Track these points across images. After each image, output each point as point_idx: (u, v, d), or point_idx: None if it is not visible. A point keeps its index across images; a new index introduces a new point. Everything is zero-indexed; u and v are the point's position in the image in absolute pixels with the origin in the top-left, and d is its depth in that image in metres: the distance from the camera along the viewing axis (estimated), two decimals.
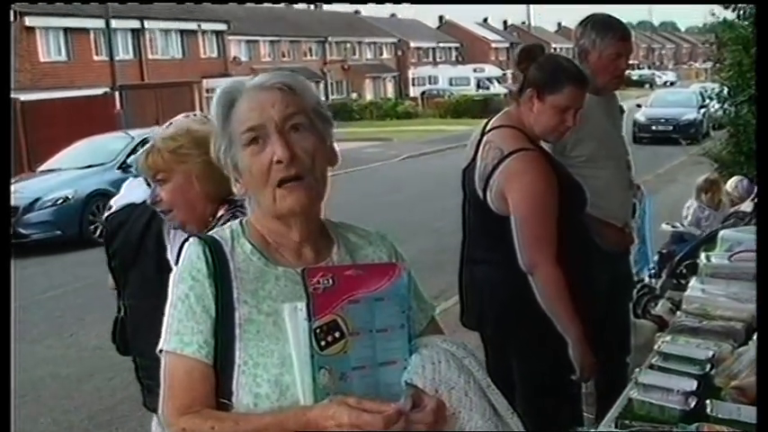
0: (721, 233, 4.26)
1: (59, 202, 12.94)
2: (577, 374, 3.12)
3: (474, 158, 3.28)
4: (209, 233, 1.79)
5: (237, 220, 1.81)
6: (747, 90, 8.38)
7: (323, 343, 1.57)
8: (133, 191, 3.06)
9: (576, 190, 3.21)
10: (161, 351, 1.69)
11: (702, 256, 3.79)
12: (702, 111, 26.27)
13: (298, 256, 1.74)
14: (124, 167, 13.91)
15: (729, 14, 9.30)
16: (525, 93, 3.15)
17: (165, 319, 1.69)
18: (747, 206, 6.05)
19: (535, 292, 3.05)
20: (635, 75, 67.51)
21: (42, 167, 14.82)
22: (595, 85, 3.71)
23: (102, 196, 13.16)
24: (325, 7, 64.71)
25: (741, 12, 9.02)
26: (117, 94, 24.22)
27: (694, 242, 6.06)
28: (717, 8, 9.18)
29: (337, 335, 1.58)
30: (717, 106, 10.65)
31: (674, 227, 6.37)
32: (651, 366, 2.57)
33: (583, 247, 3.23)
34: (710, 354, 2.56)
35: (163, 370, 1.68)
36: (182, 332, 1.65)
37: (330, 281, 1.60)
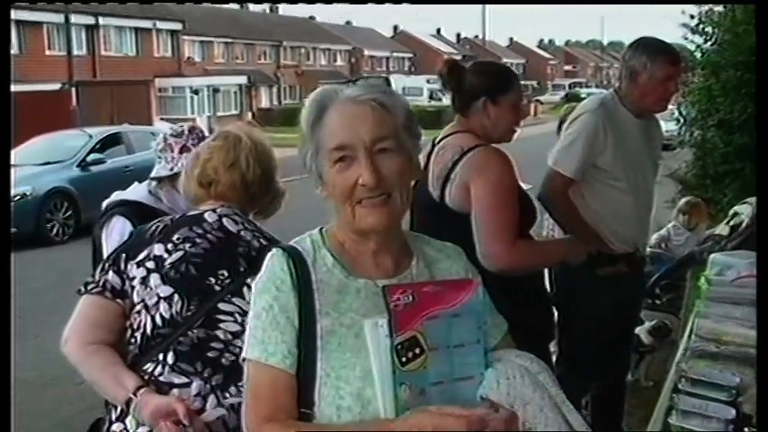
0: (711, 257, 4.31)
1: (16, 198, 12.61)
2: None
3: (424, 170, 3.17)
4: (291, 243, 1.80)
5: (318, 229, 1.82)
6: (716, 114, 8.52)
7: (404, 359, 1.59)
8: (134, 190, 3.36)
9: (527, 201, 3.20)
10: (244, 360, 1.72)
11: (702, 279, 3.83)
12: None
13: (376, 266, 1.76)
14: (83, 166, 13.71)
15: (698, 39, 9.44)
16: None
17: (249, 328, 1.72)
18: (723, 229, 6.13)
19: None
20: (583, 93, 68.46)
21: None
22: (640, 106, 3.77)
23: (60, 194, 12.95)
24: (282, 12, 64.54)
25: (711, 37, 9.19)
26: (73, 89, 23.87)
27: (670, 264, 6.12)
28: (689, 33, 9.31)
29: (417, 351, 1.60)
30: (674, 128, 10.84)
31: (650, 247, 6.43)
32: (678, 390, 2.58)
33: None
34: (738, 380, 2.58)
35: (246, 378, 1.71)
36: (266, 342, 1.67)
37: (410, 297, 1.62)
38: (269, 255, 1.77)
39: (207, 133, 3.19)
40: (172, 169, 3.21)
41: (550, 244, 3.20)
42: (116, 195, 3.32)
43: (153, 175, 3.29)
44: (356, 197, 1.68)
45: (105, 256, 3.02)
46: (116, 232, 3.13)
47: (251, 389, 1.70)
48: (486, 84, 3.18)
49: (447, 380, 1.63)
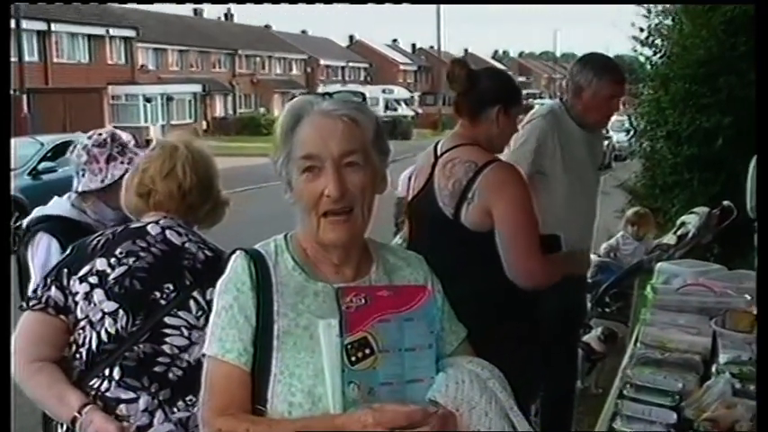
0: (658, 266, 4.41)
1: None
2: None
3: (427, 184, 3.16)
4: (256, 246, 1.86)
5: (283, 234, 1.89)
6: (665, 126, 8.66)
7: (353, 358, 1.66)
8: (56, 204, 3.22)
9: None
10: (203, 355, 1.81)
11: (648, 287, 3.90)
12: (606, 143, 27.15)
13: (336, 273, 1.83)
14: (35, 174, 13.51)
15: (647, 51, 9.61)
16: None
17: (210, 326, 1.81)
18: (670, 239, 6.24)
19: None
20: (537, 103, 69.07)
21: None
22: (582, 119, 3.86)
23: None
24: (237, 20, 64.18)
25: (660, 50, 9.35)
26: (25, 97, 23.48)
27: (619, 272, 6.21)
28: (638, 45, 9.46)
29: (367, 351, 1.67)
30: (624, 139, 11.02)
31: (599, 256, 6.54)
32: (623, 396, 2.63)
33: None
34: (680, 386, 2.63)
35: (204, 374, 1.79)
36: (224, 339, 1.76)
37: (363, 300, 1.71)
38: (233, 257, 1.83)
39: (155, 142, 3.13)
40: (102, 181, 3.07)
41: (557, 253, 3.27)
42: (37, 211, 3.16)
43: (81, 188, 3.11)
44: (321, 209, 1.75)
45: (33, 274, 2.99)
46: (42, 250, 3.03)
47: (207, 383, 1.78)
48: (501, 92, 3.13)
49: (397, 381, 1.69)
